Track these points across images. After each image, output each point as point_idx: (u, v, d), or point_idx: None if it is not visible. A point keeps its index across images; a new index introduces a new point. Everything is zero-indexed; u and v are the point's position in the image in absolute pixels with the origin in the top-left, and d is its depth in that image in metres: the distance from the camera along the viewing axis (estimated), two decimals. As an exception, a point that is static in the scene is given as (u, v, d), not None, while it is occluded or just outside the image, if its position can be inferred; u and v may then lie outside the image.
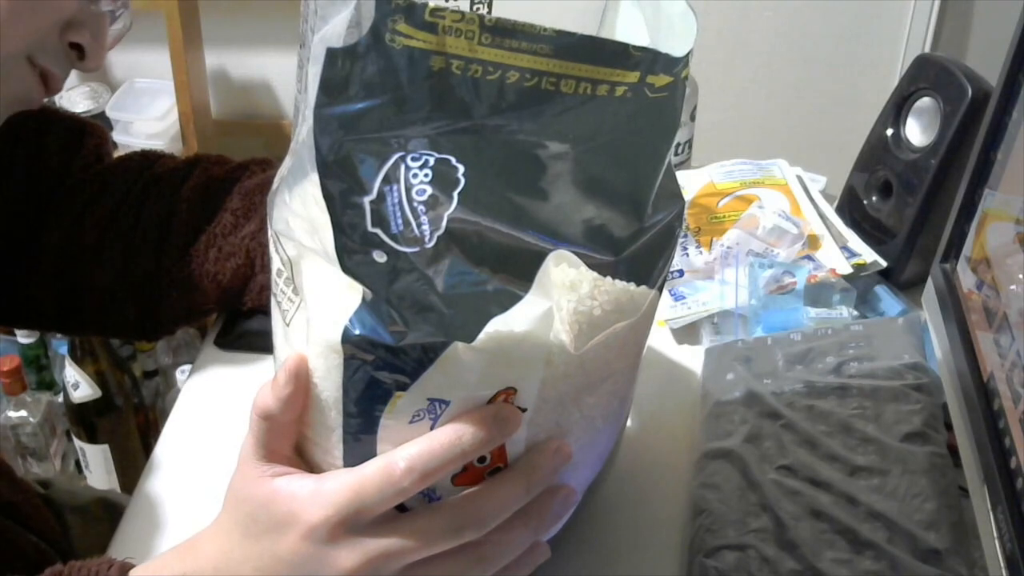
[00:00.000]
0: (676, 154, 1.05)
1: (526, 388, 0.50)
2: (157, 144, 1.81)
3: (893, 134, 0.90)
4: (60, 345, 1.69)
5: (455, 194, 0.49)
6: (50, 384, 1.73)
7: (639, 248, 0.52)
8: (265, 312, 0.60)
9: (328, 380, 0.50)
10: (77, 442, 1.50)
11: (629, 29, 0.62)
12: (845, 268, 0.87)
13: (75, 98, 1.92)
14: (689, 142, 1.06)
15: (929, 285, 0.75)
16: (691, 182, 0.97)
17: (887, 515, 0.63)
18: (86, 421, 1.47)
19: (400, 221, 0.48)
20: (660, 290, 0.55)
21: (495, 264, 0.48)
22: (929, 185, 0.85)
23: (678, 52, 0.51)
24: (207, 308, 0.85)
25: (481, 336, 0.47)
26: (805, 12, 1.93)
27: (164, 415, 0.94)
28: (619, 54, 0.51)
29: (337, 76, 0.49)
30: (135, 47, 1.97)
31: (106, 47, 0.66)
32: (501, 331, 0.47)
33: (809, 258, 0.88)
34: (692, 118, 1.05)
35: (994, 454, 0.59)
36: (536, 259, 0.47)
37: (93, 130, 0.87)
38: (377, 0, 0.48)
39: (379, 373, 0.48)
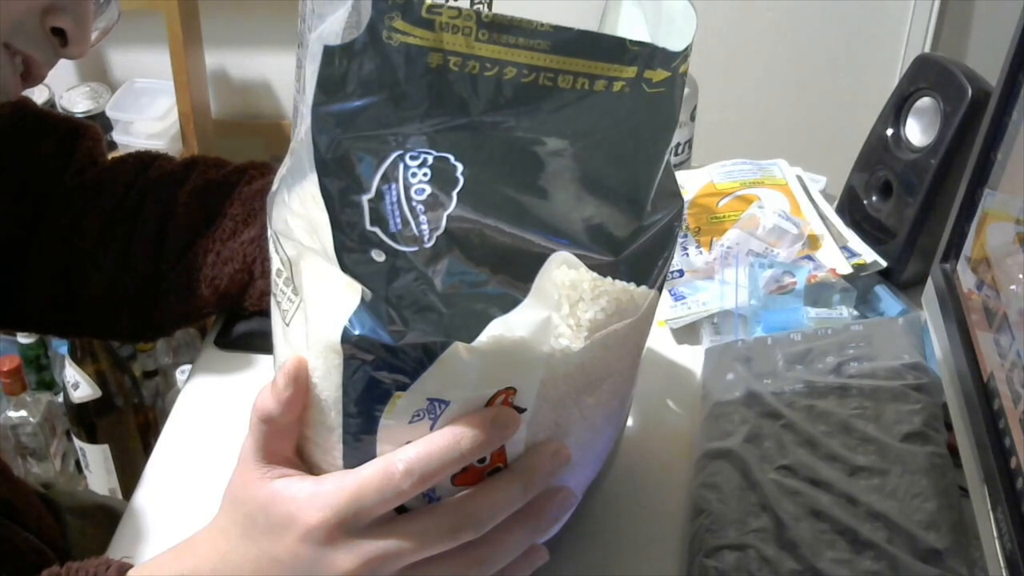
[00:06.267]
0: (676, 154, 1.05)
1: (526, 388, 0.50)
2: (157, 144, 1.81)
3: (893, 134, 0.90)
4: (60, 345, 1.69)
5: (454, 193, 0.49)
6: (50, 384, 1.73)
7: (639, 248, 0.52)
8: (265, 313, 0.60)
9: (328, 380, 0.50)
10: (77, 442, 1.50)
11: (630, 27, 0.62)
12: (845, 268, 0.87)
13: (75, 98, 1.92)
14: (689, 142, 1.05)
15: (929, 285, 0.75)
16: (691, 182, 0.97)
17: (887, 515, 0.63)
18: (86, 421, 1.47)
19: (399, 220, 0.48)
20: (660, 290, 0.55)
21: (495, 264, 0.48)
22: (929, 185, 0.85)
23: (676, 47, 0.51)
24: (205, 312, 0.84)
25: (481, 337, 0.47)
26: (805, 12, 1.93)
27: (164, 415, 0.94)
28: (616, 49, 0.51)
29: (334, 74, 0.49)
30: (135, 47, 1.97)
31: (90, 32, 0.65)
32: (501, 333, 0.47)
33: (809, 258, 0.88)
34: (692, 118, 1.05)
35: (994, 454, 0.58)
36: (536, 260, 0.47)
37: (87, 131, 0.87)
38: None
39: (379, 373, 0.48)
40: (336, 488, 0.49)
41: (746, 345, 0.77)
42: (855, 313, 0.83)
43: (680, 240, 0.90)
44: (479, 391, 0.49)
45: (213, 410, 0.82)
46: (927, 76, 0.87)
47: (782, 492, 0.65)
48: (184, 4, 1.74)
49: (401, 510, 0.51)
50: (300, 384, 0.51)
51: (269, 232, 0.55)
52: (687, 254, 0.90)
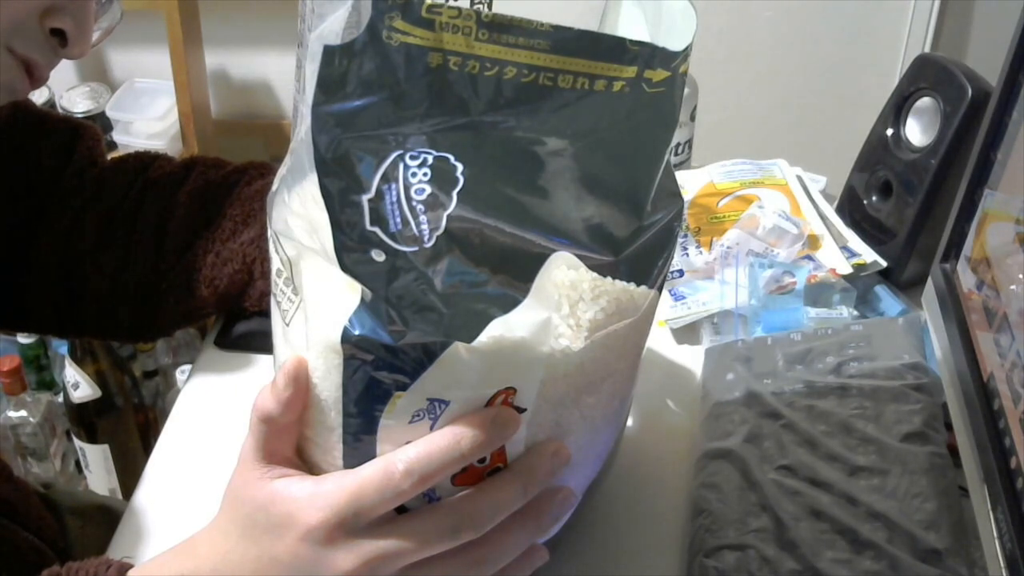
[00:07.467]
0: (676, 154, 1.05)
1: (526, 388, 0.50)
2: (157, 144, 1.81)
3: (893, 134, 0.90)
4: (60, 345, 1.69)
5: (454, 193, 0.49)
6: (50, 384, 1.72)
7: (639, 248, 0.52)
8: (265, 313, 0.60)
9: (328, 380, 0.50)
10: (77, 442, 1.50)
11: (630, 27, 0.62)
12: (845, 268, 0.87)
13: (75, 98, 1.92)
14: (689, 142, 1.05)
15: (929, 285, 0.75)
16: (691, 182, 0.97)
17: (887, 515, 0.63)
18: (86, 421, 1.47)
19: (399, 220, 0.48)
20: (660, 290, 0.55)
21: (495, 264, 0.48)
22: (929, 185, 0.85)
23: (676, 47, 0.51)
24: (204, 312, 0.84)
25: (481, 337, 0.47)
26: (805, 12, 1.93)
27: (164, 415, 0.94)
28: (616, 48, 0.51)
29: (334, 74, 0.49)
30: (135, 47, 1.97)
31: (91, 32, 0.64)
32: (501, 333, 0.47)
33: (809, 258, 0.88)
34: (692, 118, 1.05)
35: (994, 454, 0.58)
36: (536, 260, 0.47)
37: (86, 132, 0.87)
38: None
39: (379, 373, 0.48)
40: (336, 488, 0.49)
41: (746, 345, 0.77)
42: (855, 313, 0.83)
43: (680, 240, 0.90)
44: (479, 391, 0.49)
45: (213, 410, 0.82)
46: (927, 76, 0.87)
47: (782, 492, 0.65)
48: (184, 4, 1.74)
49: (401, 510, 0.51)
50: (300, 384, 0.51)
51: (269, 232, 0.55)
52: (687, 254, 0.90)
